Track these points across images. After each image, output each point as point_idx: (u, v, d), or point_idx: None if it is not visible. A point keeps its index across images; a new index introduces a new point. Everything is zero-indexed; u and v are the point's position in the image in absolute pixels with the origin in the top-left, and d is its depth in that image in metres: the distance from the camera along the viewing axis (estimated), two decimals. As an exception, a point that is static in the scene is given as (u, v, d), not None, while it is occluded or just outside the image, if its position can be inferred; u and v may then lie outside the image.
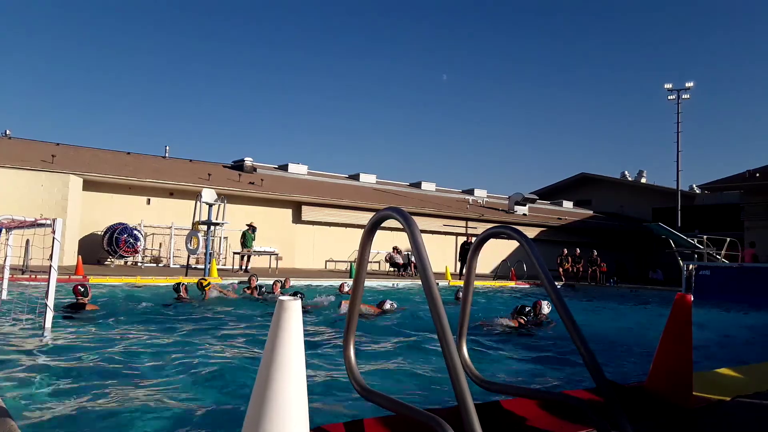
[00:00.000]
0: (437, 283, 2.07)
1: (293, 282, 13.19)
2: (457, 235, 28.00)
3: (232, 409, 3.72)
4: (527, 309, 8.84)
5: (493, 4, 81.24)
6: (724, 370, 4.48)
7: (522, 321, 8.48)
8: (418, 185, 32.73)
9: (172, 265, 19.59)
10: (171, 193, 20.90)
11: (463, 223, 28.07)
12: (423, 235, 2.18)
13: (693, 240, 21.04)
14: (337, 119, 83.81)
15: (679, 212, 30.75)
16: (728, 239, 21.03)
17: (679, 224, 29.40)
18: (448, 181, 46.44)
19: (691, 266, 18.42)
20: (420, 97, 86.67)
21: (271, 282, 11.84)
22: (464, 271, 3.01)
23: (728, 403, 3.39)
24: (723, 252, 20.61)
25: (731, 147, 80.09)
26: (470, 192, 34.02)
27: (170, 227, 20.13)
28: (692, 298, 3.30)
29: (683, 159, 31.64)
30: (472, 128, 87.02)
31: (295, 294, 10.32)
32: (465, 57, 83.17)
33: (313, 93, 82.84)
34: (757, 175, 28.39)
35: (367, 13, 79.62)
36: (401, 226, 2.19)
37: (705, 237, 21.05)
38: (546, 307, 9.16)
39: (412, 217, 2.23)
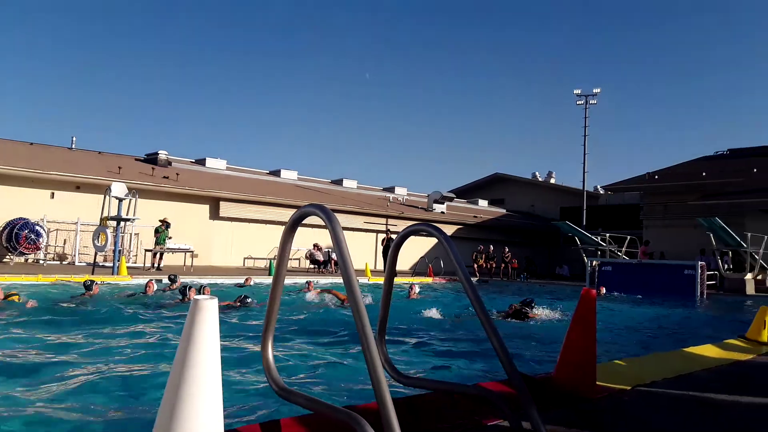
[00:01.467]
0: (358, 280, 2.08)
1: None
2: (377, 232, 28.22)
3: (141, 415, 3.57)
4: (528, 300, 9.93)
5: (415, 3, 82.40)
6: (624, 361, 4.78)
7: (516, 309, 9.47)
8: (339, 182, 32.71)
9: (77, 263, 18.55)
10: (77, 187, 19.74)
11: (383, 220, 28.33)
12: (344, 232, 2.19)
13: (597, 238, 22.34)
14: (258, 115, 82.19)
15: (585, 211, 32.54)
16: (628, 237, 22.48)
17: (584, 223, 31.11)
18: (369, 178, 46.72)
19: (594, 262, 19.55)
20: (342, 94, 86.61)
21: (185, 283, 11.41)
22: (385, 267, 3.05)
23: (628, 392, 3.63)
24: (624, 249, 22.01)
25: (634, 150, 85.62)
26: (391, 190, 34.38)
27: (76, 223, 19.02)
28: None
29: (589, 161, 33.55)
30: (394, 126, 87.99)
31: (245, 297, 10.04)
32: (386, 56, 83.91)
33: (231, 88, 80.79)
34: (656, 177, 30.53)
35: (275, 4, 78.59)
36: (322, 223, 2.18)
37: (608, 235, 22.42)
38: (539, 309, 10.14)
39: (334, 214, 2.23)
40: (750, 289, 18.27)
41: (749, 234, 18.99)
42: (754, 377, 4.45)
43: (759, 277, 19.10)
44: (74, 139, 23.68)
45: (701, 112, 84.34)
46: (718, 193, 25.43)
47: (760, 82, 77.13)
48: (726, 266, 19.53)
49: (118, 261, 14.77)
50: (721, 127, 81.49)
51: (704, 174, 28.47)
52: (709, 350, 5.40)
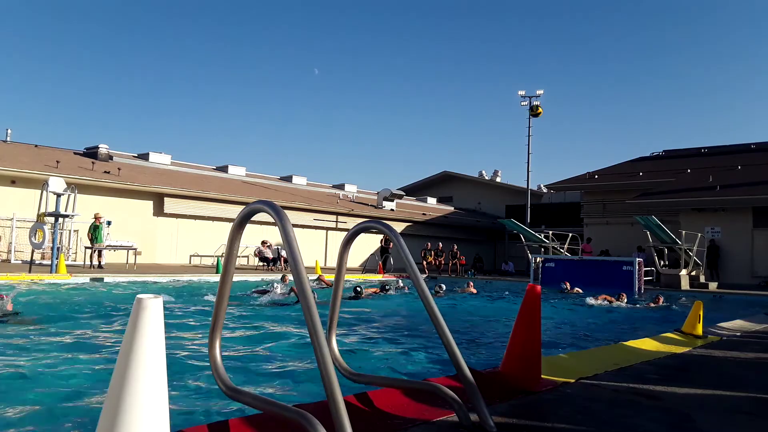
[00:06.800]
0: (308, 278, 2.07)
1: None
2: (327, 229, 28.09)
3: (85, 418, 3.44)
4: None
5: (365, 3, 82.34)
6: (568, 355, 4.93)
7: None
8: (288, 179, 32.40)
9: (13, 261, 17.76)
10: (12, 181, 18.83)
11: (333, 217, 28.23)
12: (294, 229, 2.16)
13: (540, 235, 22.93)
14: (205, 108, 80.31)
15: (529, 209, 33.34)
16: (570, 234, 23.19)
17: (529, 220, 31.88)
18: (319, 175, 46.51)
19: (538, 259, 20.06)
20: (291, 90, 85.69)
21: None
22: (336, 264, 3.04)
23: (572, 384, 3.74)
24: (566, 246, 22.68)
25: (576, 150, 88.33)
26: (341, 187, 34.31)
27: (11, 219, 18.17)
28: (541, 288, 3.57)
29: (533, 160, 34.40)
30: (344, 123, 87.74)
31: (357, 290, 10.76)
32: (337, 53, 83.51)
33: (176, 80, 78.65)
34: (596, 177, 31.62)
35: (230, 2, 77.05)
36: (271, 220, 2.15)
37: (551, 232, 23.04)
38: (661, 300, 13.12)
39: (284, 211, 2.20)
40: (684, 284, 19.14)
41: (684, 232, 19.90)
42: (690, 369, 4.67)
43: (693, 273, 20.03)
44: (9, 131, 22.71)
45: (639, 115, 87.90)
46: (654, 192, 26.53)
47: (692, 88, 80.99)
48: (662, 262, 20.39)
49: (57, 259, 14.20)
50: (657, 129, 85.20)
51: (641, 174, 29.65)
52: (648, 344, 5.63)
